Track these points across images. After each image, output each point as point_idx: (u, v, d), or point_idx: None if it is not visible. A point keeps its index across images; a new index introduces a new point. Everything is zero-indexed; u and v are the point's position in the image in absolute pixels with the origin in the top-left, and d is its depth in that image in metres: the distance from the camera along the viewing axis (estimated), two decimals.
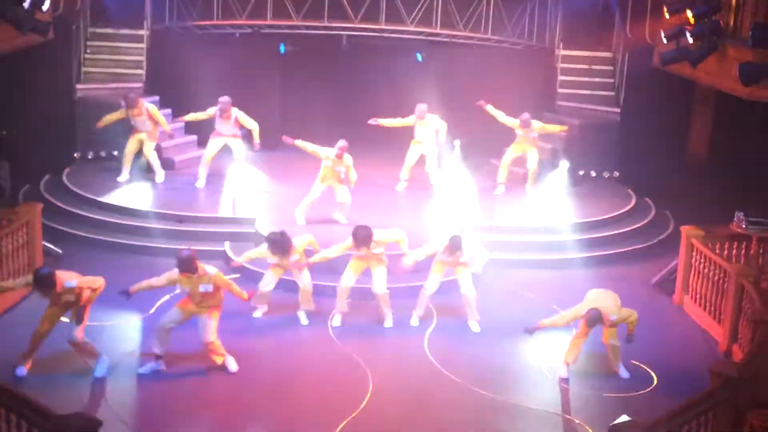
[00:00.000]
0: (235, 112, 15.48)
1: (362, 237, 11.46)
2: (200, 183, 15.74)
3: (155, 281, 10.40)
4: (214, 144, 15.64)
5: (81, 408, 8.14)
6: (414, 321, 11.93)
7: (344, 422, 9.41)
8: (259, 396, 9.85)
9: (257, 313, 11.91)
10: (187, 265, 10.13)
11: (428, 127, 16.06)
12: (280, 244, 11.53)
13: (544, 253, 14.38)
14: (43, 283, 9.78)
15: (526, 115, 15.96)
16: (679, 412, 8.31)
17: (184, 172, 16.59)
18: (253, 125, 15.51)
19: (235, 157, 15.68)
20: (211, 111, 15.50)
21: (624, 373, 10.76)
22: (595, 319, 10.44)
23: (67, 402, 8.79)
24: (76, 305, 9.98)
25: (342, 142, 14.03)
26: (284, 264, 11.71)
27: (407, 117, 16.08)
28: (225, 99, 15.43)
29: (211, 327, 10.28)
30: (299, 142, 14.29)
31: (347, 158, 14.09)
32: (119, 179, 15.61)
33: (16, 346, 10.59)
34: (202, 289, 10.19)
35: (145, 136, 15.59)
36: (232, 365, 10.41)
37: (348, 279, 11.75)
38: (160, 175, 15.86)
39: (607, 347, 10.76)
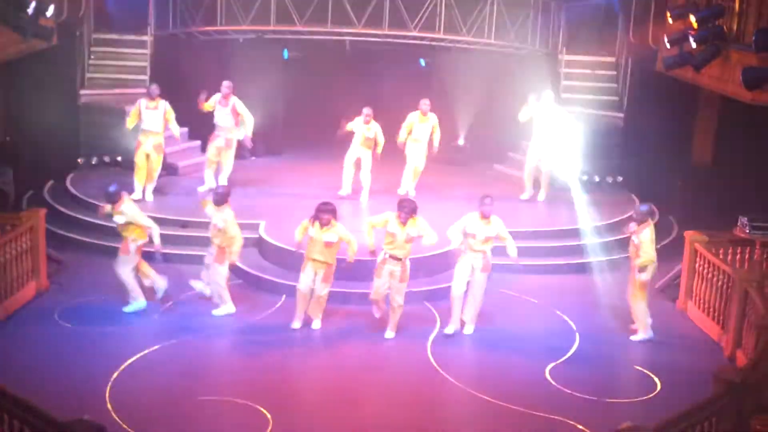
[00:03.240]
0: (234, 99, 15.35)
1: (410, 207, 11.35)
2: (205, 188, 15.54)
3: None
4: (213, 144, 15.49)
5: (84, 414, 8.10)
6: (449, 329, 11.83)
7: (347, 428, 9.41)
8: (259, 401, 9.82)
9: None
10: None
11: (427, 125, 15.89)
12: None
13: (547, 259, 14.36)
14: (111, 197, 11.78)
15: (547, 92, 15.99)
16: (683, 417, 8.29)
17: (188, 177, 16.60)
18: (248, 117, 15.39)
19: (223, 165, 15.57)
20: (215, 98, 15.32)
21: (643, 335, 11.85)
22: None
23: (70, 408, 8.78)
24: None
25: (367, 109, 15.44)
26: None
27: (408, 117, 15.86)
28: (227, 83, 15.36)
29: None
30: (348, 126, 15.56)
31: (374, 124, 15.48)
32: (134, 197, 14.68)
33: (23, 346, 10.74)
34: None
35: (152, 144, 15.10)
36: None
37: (381, 285, 11.58)
38: (149, 193, 15.29)
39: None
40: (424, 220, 11.57)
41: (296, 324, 11.73)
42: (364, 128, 15.53)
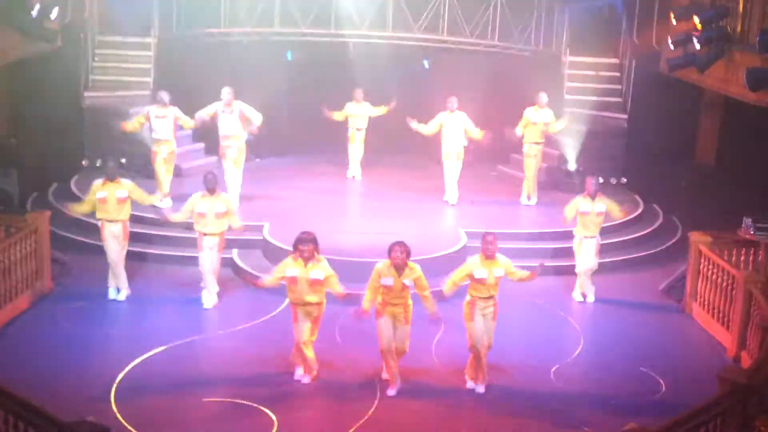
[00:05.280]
0: (239, 104, 14.96)
1: (403, 254, 9.83)
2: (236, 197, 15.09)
3: None
4: (228, 158, 15.12)
5: (88, 415, 8.11)
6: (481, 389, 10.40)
7: (352, 430, 9.41)
8: (264, 403, 9.83)
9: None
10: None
11: (458, 123, 15.84)
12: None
13: (552, 260, 14.34)
14: (111, 173, 12.25)
15: (543, 96, 15.93)
16: (687, 418, 8.28)
17: (192, 178, 16.59)
18: (257, 117, 15.06)
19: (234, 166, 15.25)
20: (215, 106, 14.94)
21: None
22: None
23: (74, 409, 8.80)
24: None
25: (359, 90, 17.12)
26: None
27: (436, 117, 15.87)
28: (228, 89, 14.88)
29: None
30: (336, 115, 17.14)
31: (365, 103, 17.27)
32: (161, 206, 14.40)
33: (28, 348, 10.78)
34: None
35: (166, 152, 14.96)
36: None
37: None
38: (165, 201, 14.92)
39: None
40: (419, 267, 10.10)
41: (306, 379, 10.45)
42: (357, 108, 17.13)
